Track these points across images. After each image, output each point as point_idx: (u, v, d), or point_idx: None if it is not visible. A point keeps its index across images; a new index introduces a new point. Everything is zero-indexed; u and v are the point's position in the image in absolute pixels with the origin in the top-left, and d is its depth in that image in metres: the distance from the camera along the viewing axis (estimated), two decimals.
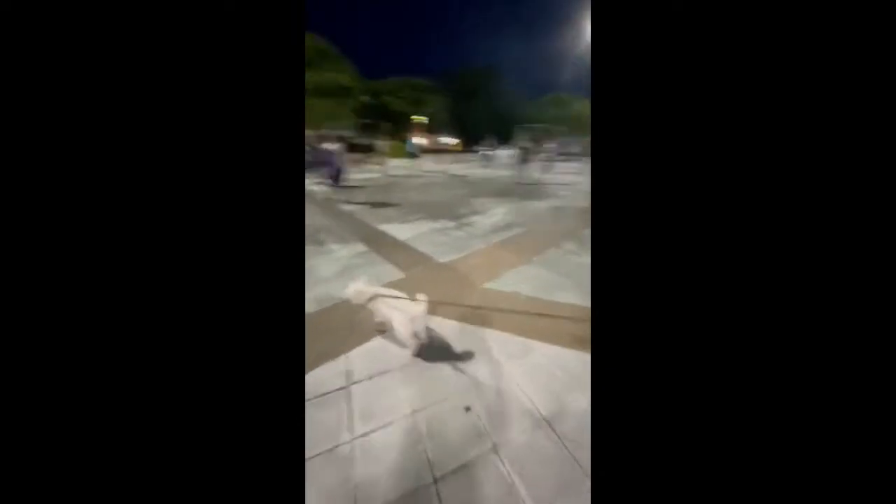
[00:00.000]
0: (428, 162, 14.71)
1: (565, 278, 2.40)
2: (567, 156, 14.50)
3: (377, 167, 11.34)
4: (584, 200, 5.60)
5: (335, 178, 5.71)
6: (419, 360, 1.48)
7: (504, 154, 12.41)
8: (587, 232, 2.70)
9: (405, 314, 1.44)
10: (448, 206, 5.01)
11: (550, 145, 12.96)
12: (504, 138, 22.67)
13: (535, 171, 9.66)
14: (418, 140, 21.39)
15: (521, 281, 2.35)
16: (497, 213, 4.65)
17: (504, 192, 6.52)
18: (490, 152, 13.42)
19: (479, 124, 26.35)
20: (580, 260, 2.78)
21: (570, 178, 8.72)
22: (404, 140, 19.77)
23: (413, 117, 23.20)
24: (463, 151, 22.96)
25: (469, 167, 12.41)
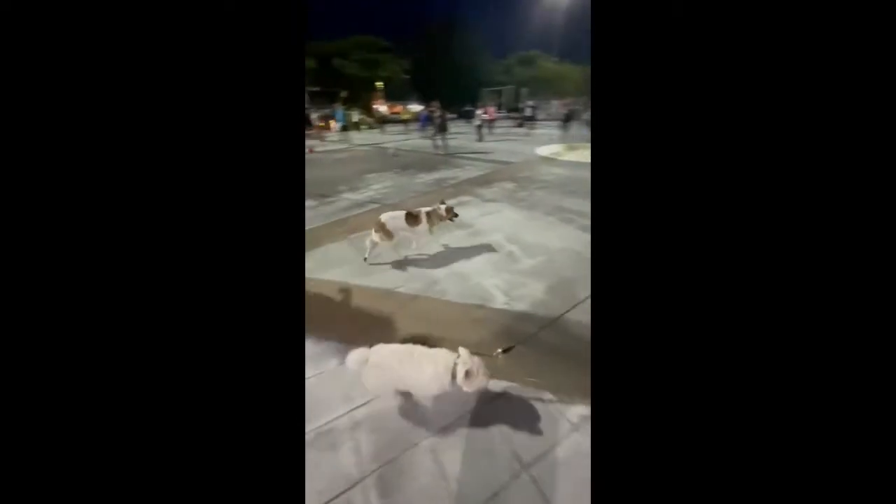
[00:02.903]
0: (375, 134, 13.99)
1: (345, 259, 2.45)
2: (527, 120, 14.13)
3: (310, 141, 10.83)
4: (477, 171, 5.56)
5: None
6: None
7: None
8: (445, 204, 2.59)
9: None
10: (331, 183, 4.91)
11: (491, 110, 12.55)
12: (472, 101, 21.58)
13: (475, 137, 9.53)
14: (380, 108, 20.14)
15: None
16: (373, 189, 4.58)
17: (411, 164, 6.38)
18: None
19: (447, 87, 24.71)
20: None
21: (492, 146, 8.60)
22: (369, 109, 18.48)
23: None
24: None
25: (416, 137, 11.92)
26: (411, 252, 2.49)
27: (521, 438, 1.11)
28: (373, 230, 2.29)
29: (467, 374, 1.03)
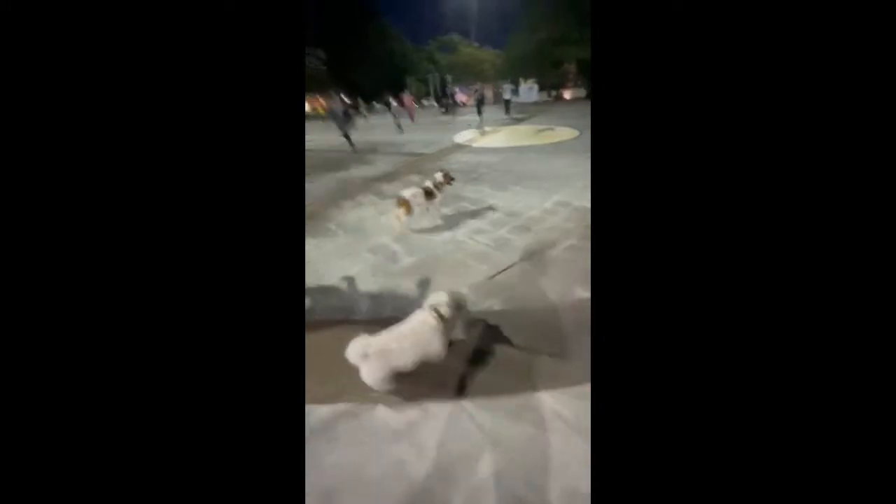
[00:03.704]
0: None
1: None
2: (452, 106, 14.12)
3: None
4: (387, 166, 5.38)
5: None
6: None
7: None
8: (441, 172, 2.94)
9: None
10: None
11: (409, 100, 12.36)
12: (398, 90, 20.90)
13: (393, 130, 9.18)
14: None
15: None
16: None
17: (316, 166, 5.90)
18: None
19: (370, 77, 23.38)
20: None
21: (410, 137, 8.43)
22: None
23: None
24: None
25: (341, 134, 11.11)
26: (427, 223, 2.80)
27: (337, 467, 1.04)
28: (395, 206, 2.61)
29: (456, 307, 1.22)
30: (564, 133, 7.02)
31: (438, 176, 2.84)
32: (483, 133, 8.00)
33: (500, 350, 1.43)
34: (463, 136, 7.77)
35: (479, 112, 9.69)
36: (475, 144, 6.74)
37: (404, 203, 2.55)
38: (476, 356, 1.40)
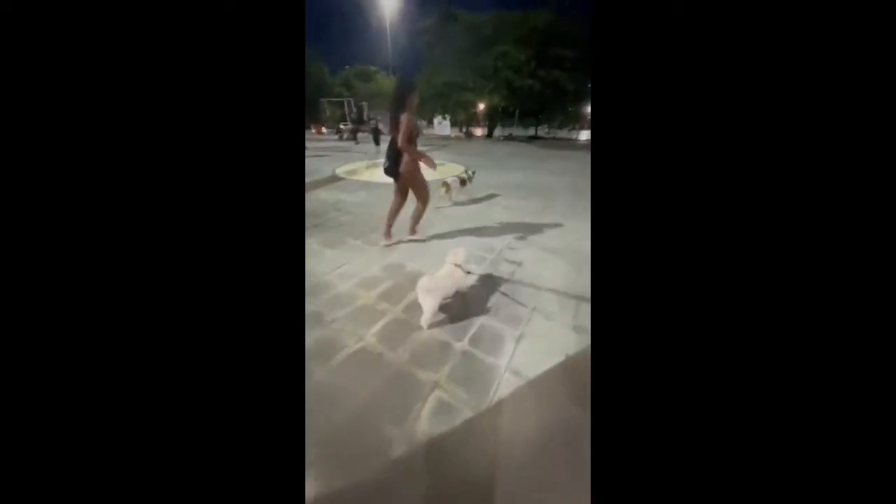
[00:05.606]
0: None
1: None
2: (356, 134, 13.36)
3: None
4: None
5: None
6: None
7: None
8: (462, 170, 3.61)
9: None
10: None
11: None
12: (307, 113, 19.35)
13: None
14: None
15: None
16: None
17: None
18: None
19: None
20: None
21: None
22: None
23: None
24: None
25: None
26: (461, 198, 4.20)
27: None
28: (440, 187, 3.88)
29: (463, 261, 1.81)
30: (450, 169, 6.88)
31: (462, 171, 4.44)
32: (370, 165, 7.36)
33: None
34: (345, 168, 6.95)
35: (376, 142, 9.20)
36: (354, 178, 5.97)
37: (446, 185, 3.88)
38: None
